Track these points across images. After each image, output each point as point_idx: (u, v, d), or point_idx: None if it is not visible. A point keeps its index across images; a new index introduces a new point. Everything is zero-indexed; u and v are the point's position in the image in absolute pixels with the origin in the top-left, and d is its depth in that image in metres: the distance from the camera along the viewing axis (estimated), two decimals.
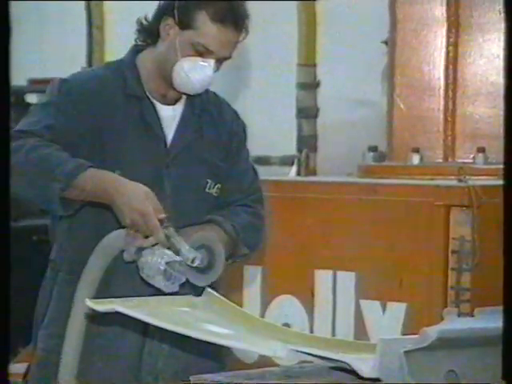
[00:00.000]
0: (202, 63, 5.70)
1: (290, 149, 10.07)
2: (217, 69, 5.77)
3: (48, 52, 11.14)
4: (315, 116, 9.61)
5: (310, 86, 9.34)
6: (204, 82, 5.74)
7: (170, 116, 5.87)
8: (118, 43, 10.19)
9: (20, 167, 5.56)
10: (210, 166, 5.93)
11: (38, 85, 10.25)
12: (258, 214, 6.02)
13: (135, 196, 5.48)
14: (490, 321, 4.47)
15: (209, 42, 5.83)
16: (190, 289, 5.52)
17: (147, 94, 5.81)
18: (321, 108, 9.44)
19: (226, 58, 5.80)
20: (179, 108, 5.92)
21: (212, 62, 5.70)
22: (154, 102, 5.83)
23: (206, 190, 5.85)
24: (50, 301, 5.96)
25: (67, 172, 5.39)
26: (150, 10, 6.30)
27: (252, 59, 10.42)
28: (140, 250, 5.40)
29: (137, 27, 5.91)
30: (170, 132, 5.86)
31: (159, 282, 5.39)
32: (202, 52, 5.71)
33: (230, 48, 5.80)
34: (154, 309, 5.41)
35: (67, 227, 5.85)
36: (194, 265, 5.46)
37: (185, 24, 5.79)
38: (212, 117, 6.06)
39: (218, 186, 5.89)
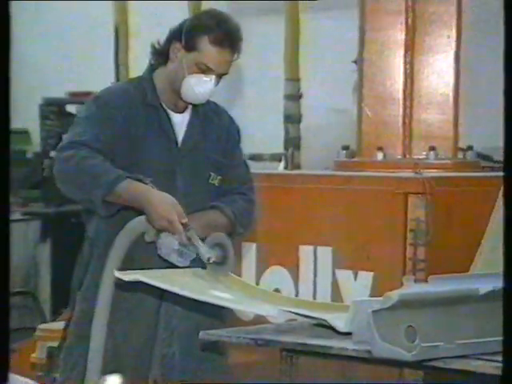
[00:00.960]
0: (204, 79, 5.88)
1: (279, 148, 10.18)
2: (217, 83, 5.95)
3: (81, 66, 11.02)
4: (299, 121, 9.69)
5: (294, 97, 9.43)
6: (206, 94, 5.92)
7: (180, 121, 6.03)
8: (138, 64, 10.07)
9: (72, 175, 5.87)
10: (212, 162, 6.07)
11: (75, 97, 10.23)
12: (251, 200, 6.16)
13: (162, 205, 5.60)
14: (441, 286, 4.79)
15: (209, 62, 5.98)
16: (198, 263, 5.65)
17: (162, 104, 5.99)
18: (304, 115, 9.54)
19: (224, 74, 5.99)
20: (187, 115, 6.07)
21: (213, 77, 5.89)
22: (168, 110, 6.00)
23: (210, 181, 6.00)
24: (87, 271, 6.08)
25: (109, 181, 5.57)
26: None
27: (247, 75, 10.54)
28: (158, 232, 5.60)
29: (150, 50, 6.10)
30: (180, 135, 6.03)
31: (174, 259, 5.58)
32: (204, 70, 5.88)
33: (227, 66, 5.98)
34: (169, 278, 5.62)
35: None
36: (210, 262, 5.61)
37: (190, 47, 5.95)
38: (213, 122, 6.20)
39: (219, 177, 6.04)
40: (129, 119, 6.00)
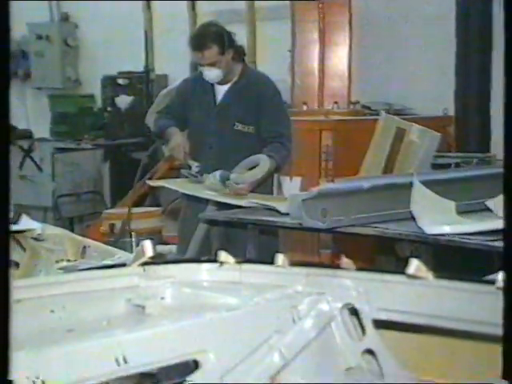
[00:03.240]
0: (204, 69, 5.48)
1: None
2: (218, 68, 5.43)
3: (125, 53, 10.19)
4: None
5: None
6: (212, 77, 5.49)
7: (220, 90, 5.57)
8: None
9: (154, 124, 6.15)
10: (242, 115, 5.54)
11: (122, 74, 9.70)
12: (288, 148, 5.51)
13: (174, 141, 5.52)
14: (342, 184, 4.86)
15: (195, 60, 6.00)
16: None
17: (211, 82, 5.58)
18: None
19: (215, 63, 5.40)
20: (227, 86, 5.55)
21: (208, 67, 5.43)
22: (214, 84, 5.55)
23: (234, 128, 5.48)
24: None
25: (164, 128, 5.63)
26: None
27: None
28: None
29: None
30: (219, 98, 5.59)
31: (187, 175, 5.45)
32: (202, 65, 5.52)
33: (209, 60, 5.42)
34: (182, 185, 5.53)
35: None
36: (197, 173, 5.38)
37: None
38: (248, 89, 5.59)
39: (250, 128, 5.53)
40: (188, 92, 5.77)
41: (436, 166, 6.76)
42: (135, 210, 7.79)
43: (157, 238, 7.00)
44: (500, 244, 3.74)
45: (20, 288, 2.39)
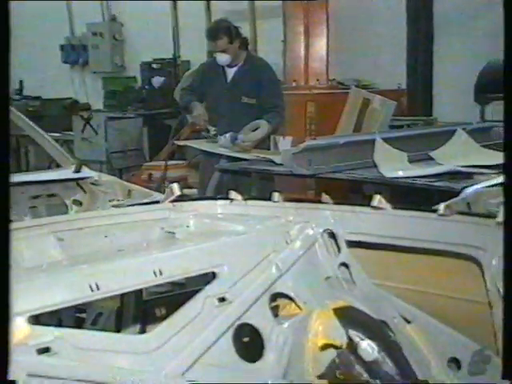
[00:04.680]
0: (218, 55, 5.42)
1: None
2: (228, 54, 5.35)
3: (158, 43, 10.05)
4: None
5: None
6: (222, 60, 5.41)
7: (231, 71, 5.47)
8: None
9: (180, 98, 6.03)
10: (247, 90, 5.42)
11: (156, 60, 9.63)
12: (282, 114, 5.49)
13: (196, 112, 5.46)
14: (323, 140, 4.66)
15: (211, 47, 5.89)
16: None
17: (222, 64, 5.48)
18: None
19: (225, 50, 5.33)
20: (236, 68, 5.45)
21: (220, 53, 5.38)
22: (225, 67, 5.46)
23: (242, 101, 5.39)
24: None
25: (188, 101, 5.53)
26: None
27: None
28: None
29: None
30: (229, 77, 5.48)
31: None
32: (216, 51, 5.47)
33: (221, 46, 5.35)
34: (202, 144, 5.47)
35: None
36: (214, 134, 5.33)
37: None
38: (253, 69, 5.47)
39: (253, 100, 5.40)
40: (206, 73, 5.67)
41: (392, 127, 6.76)
42: (170, 162, 7.72)
43: (183, 183, 6.84)
44: (439, 184, 3.84)
45: (82, 219, 2.44)
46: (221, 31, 5.39)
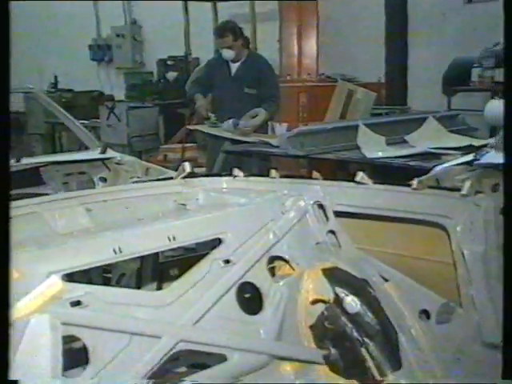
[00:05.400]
0: (223, 51, 5.36)
1: None
2: (232, 50, 5.29)
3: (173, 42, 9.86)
4: None
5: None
6: (227, 55, 5.34)
7: (234, 66, 5.39)
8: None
9: (188, 90, 6.00)
10: (248, 82, 5.35)
11: (171, 57, 9.52)
12: (278, 104, 5.40)
13: (199, 102, 5.35)
14: (314, 126, 4.80)
15: (217, 44, 5.68)
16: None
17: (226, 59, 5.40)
18: None
19: (231, 46, 5.28)
20: (239, 63, 5.38)
21: (225, 49, 5.32)
22: (229, 62, 5.38)
23: (244, 91, 5.32)
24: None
25: (192, 94, 5.46)
26: None
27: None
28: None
29: None
30: (233, 71, 5.40)
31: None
32: (221, 47, 5.40)
33: (225, 44, 5.30)
34: (211, 129, 5.29)
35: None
36: (213, 119, 5.22)
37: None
38: (253, 64, 5.41)
39: (253, 90, 5.33)
40: (213, 67, 5.58)
41: (373, 115, 6.72)
42: (180, 145, 7.73)
43: (193, 163, 6.88)
44: (413, 163, 3.79)
45: (107, 193, 2.43)
46: (227, 30, 5.33)
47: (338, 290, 2.20)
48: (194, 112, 7.62)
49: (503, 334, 1.08)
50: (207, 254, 2.08)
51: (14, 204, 2.19)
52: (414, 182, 2.20)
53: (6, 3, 0.91)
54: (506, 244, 1.03)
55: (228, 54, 5.35)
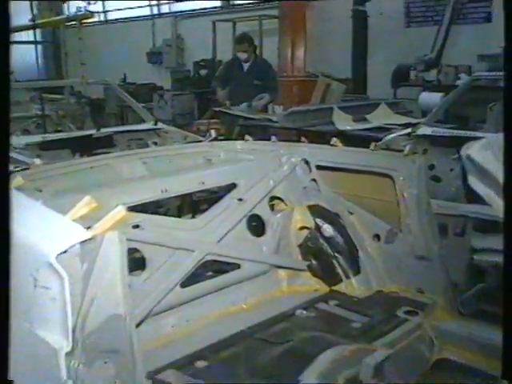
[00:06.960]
0: (239, 54, 5.15)
1: None
2: (247, 55, 5.07)
3: (202, 50, 9.51)
4: None
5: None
6: (242, 58, 5.13)
7: (246, 65, 5.15)
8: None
9: (212, 84, 5.81)
10: (256, 77, 5.11)
11: (203, 60, 9.06)
12: (276, 92, 5.35)
13: (218, 93, 5.25)
14: (302, 107, 4.67)
15: (236, 48, 5.38)
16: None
17: (241, 60, 5.18)
18: None
19: (246, 51, 5.06)
20: (249, 63, 5.14)
21: (241, 53, 5.12)
22: (242, 62, 5.15)
23: (253, 82, 5.10)
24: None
25: (214, 87, 5.47)
26: None
27: None
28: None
29: None
30: (245, 69, 5.15)
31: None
32: (239, 51, 5.20)
33: (242, 49, 5.09)
34: (233, 110, 4.95)
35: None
36: (227, 105, 4.96)
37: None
38: (259, 63, 5.23)
39: (259, 82, 5.12)
40: (230, 66, 5.34)
41: (343, 101, 6.46)
42: (208, 120, 7.29)
43: (217, 132, 6.76)
44: (371, 134, 3.76)
45: (157, 151, 2.35)
46: (244, 39, 5.26)
47: (318, 220, 2.18)
48: (216, 99, 7.52)
49: (503, 333, 0.78)
50: (226, 194, 2.05)
51: (93, 158, 2.18)
52: (372, 146, 2.16)
53: (6, 3, 0.71)
54: (506, 243, 0.77)
55: (243, 56, 5.21)
